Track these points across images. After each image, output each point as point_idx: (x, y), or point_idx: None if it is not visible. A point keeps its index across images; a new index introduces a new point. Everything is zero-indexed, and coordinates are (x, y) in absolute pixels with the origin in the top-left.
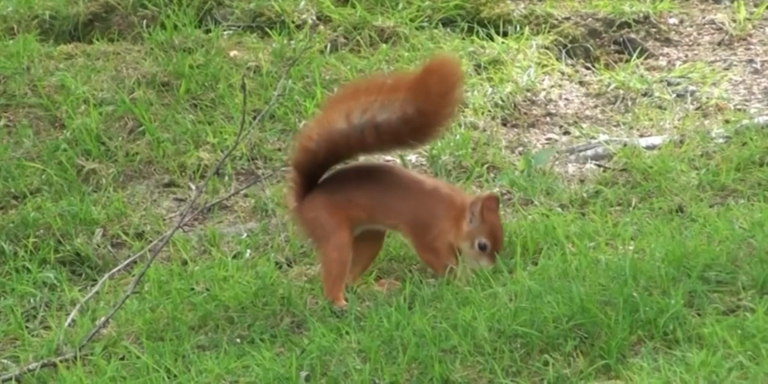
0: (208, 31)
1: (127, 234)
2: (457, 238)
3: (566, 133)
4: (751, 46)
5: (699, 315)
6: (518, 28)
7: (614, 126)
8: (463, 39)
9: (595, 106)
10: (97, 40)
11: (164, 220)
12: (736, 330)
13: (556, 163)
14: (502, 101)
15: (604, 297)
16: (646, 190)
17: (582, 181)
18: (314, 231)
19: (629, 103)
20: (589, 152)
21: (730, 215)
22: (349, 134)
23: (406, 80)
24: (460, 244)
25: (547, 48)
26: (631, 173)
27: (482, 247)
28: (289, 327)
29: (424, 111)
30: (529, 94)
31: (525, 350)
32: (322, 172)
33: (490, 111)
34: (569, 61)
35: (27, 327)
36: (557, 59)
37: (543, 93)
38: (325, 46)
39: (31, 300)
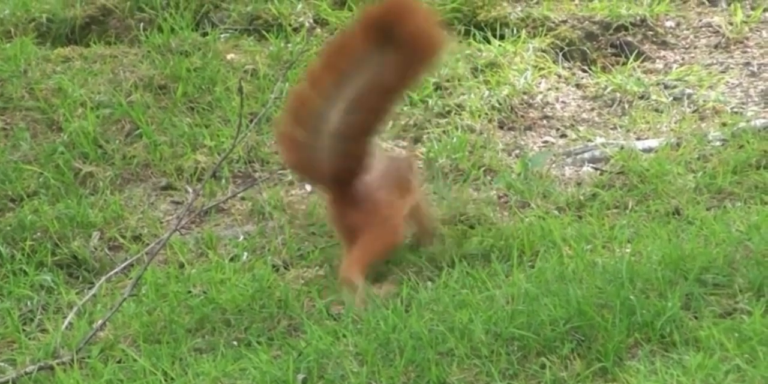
0: (205, 34)
1: (124, 237)
2: None
3: (563, 135)
4: (748, 49)
5: (696, 318)
6: (515, 31)
7: (611, 129)
8: (460, 42)
9: (592, 109)
10: (94, 43)
11: (161, 222)
12: (733, 333)
13: (553, 165)
14: (499, 104)
15: (600, 300)
16: (642, 193)
17: (579, 184)
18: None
19: (626, 106)
20: (586, 155)
21: (727, 218)
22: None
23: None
24: None
25: (543, 51)
26: (627, 176)
27: None
28: (286, 330)
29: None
30: (525, 97)
31: (522, 353)
32: None
33: (486, 114)
34: (566, 64)
35: (24, 330)
36: (554, 62)
37: (540, 96)
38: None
39: (28, 303)
